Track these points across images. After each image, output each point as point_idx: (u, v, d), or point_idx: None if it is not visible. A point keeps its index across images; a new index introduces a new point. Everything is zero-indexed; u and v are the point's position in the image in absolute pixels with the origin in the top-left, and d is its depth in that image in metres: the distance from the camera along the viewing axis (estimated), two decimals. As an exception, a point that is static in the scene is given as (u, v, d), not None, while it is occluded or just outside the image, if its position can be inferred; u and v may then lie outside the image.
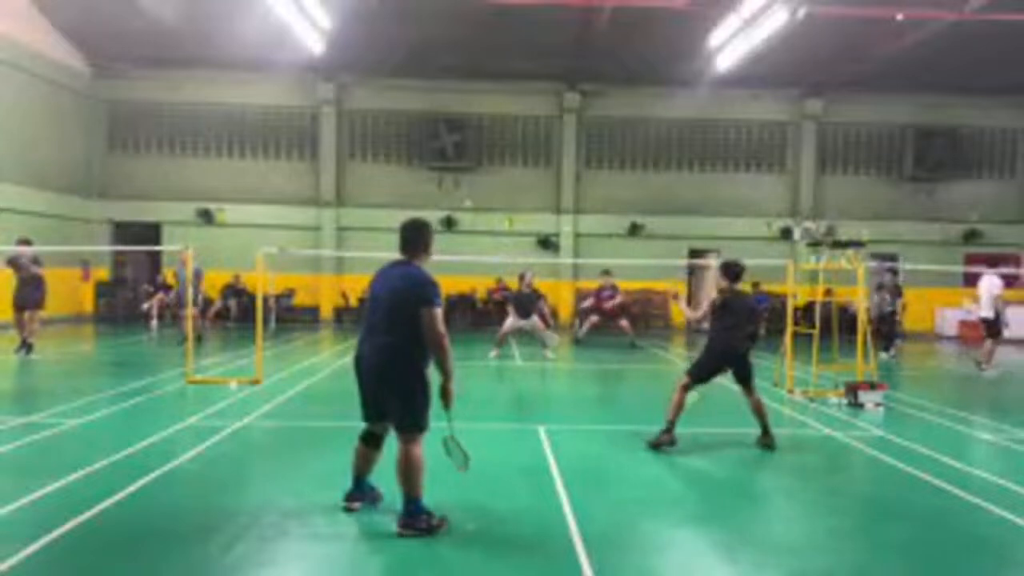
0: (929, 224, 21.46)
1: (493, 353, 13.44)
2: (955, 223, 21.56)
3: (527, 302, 13.68)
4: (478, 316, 20.43)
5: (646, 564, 4.03)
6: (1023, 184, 22.04)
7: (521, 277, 14.15)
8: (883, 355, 14.15)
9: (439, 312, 4.34)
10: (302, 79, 20.55)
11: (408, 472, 4.34)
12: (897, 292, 15.18)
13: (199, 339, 14.18)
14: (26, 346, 12.05)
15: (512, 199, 21.31)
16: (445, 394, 4.39)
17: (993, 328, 12.64)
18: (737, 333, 6.72)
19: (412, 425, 4.42)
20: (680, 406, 6.66)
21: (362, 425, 4.74)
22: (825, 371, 9.97)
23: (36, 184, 18.37)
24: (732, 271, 6.86)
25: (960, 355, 13.27)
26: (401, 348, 4.36)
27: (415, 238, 4.68)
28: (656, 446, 6.50)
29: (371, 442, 4.70)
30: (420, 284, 4.40)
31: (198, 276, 14.08)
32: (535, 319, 13.73)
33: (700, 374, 6.78)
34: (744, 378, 6.79)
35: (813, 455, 6.85)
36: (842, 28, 17.49)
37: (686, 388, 6.72)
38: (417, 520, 4.29)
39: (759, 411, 6.78)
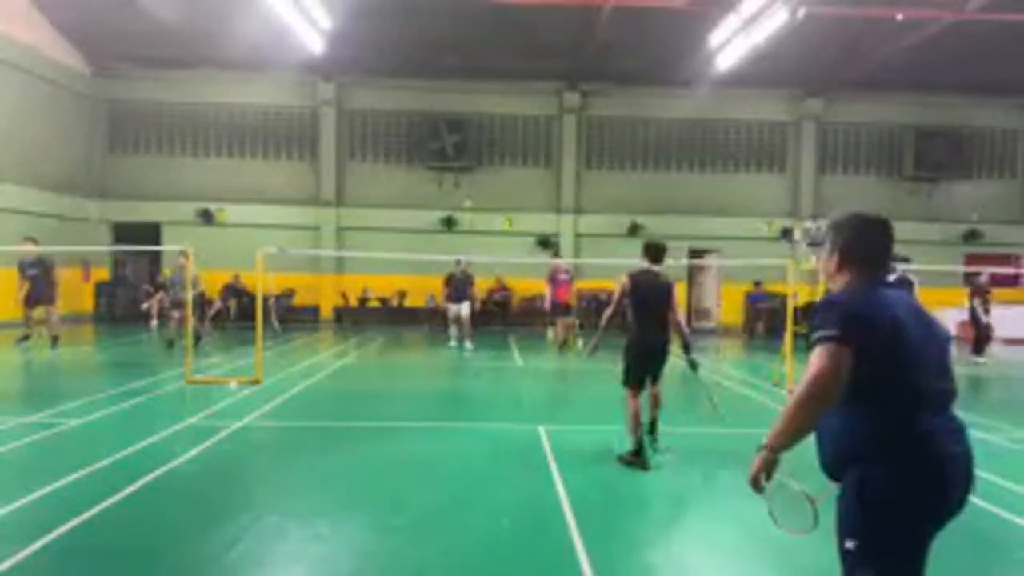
0: (929, 224, 21.45)
1: (453, 343, 14.76)
2: (955, 223, 21.56)
3: (461, 286, 14.79)
4: (477, 316, 20.43)
5: (646, 563, 4.03)
6: (1023, 184, 22.05)
7: (457, 263, 15.05)
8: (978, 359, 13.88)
9: None
10: (302, 79, 20.55)
11: None
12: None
13: (197, 340, 14.03)
14: (52, 339, 12.74)
15: (512, 199, 21.31)
16: None
17: None
18: (652, 322, 6.14)
19: None
20: (635, 418, 6.05)
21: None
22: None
23: (36, 184, 18.37)
24: (656, 252, 6.26)
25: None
26: None
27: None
28: (627, 463, 5.98)
29: None
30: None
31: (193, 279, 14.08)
32: (466, 307, 14.67)
33: (632, 380, 6.18)
34: (656, 375, 6.26)
35: (812, 455, 6.84)
36: (842, 28, 17.50)
37: (634, 397, 6.14)
38: None
39: (656, 404, 6.26)
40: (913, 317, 2.44)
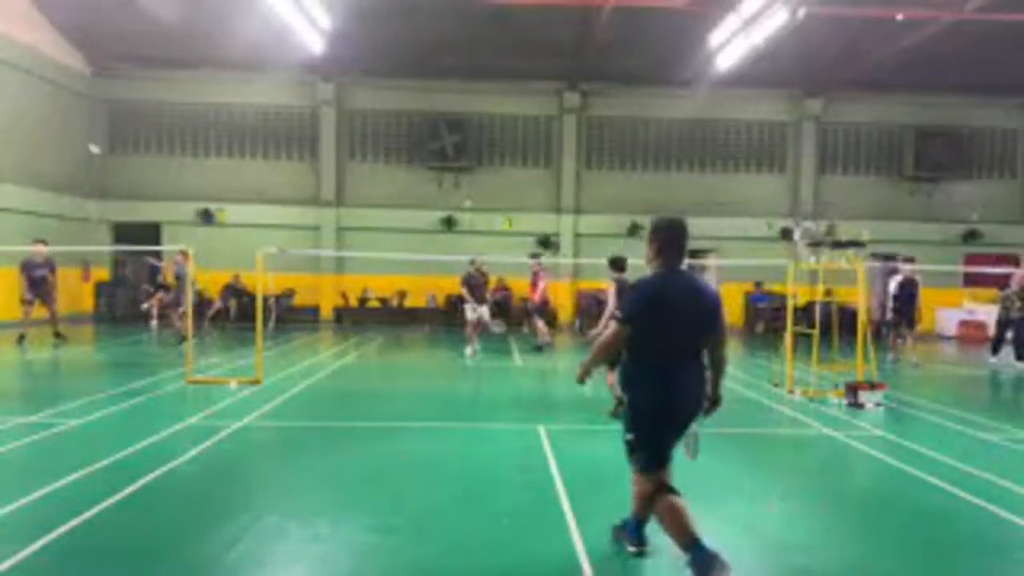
0: (929, 224, 21.46)
1: (469, 351, 13.44)
2: (955, 223, 21.56)
3: (480, 286, 13.90)
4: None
5: (646, 562, 4.03)
6: (1023, 184, 22.05)
7: (471, 262, 14.17)
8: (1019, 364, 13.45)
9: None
10: (302, 79, 20.55)
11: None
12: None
13: (183, 339, 13.31)
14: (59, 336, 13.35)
15: (512, 199, 21.31)
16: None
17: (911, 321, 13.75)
18: None
19: None
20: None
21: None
22: (826, 371, 9.98)
23: (36, 184, 18.37)
24: (619, 264, 8.09)
25: (896, 361, 13.68)
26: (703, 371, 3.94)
27: (686, 241, 4.00)
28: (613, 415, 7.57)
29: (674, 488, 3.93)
30: (718, 297, 3.96)
31: (181, 277, 13.62)
32: (485, 310, 13.89)
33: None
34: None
35: (813, 455, 6.85)
36: (842, 28, 17.51)
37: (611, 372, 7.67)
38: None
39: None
40: (684, 296, 3.82)
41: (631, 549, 4.08)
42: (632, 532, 4.09)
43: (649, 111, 21.41)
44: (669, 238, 3.93)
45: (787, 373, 9.85)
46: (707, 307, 3.83)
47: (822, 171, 21.77)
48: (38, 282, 13.10)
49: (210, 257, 17.69)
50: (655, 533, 4.48)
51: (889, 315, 14.04)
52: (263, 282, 10.83)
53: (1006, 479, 5.67)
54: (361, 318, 20.82)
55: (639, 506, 3.99)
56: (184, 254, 13.29)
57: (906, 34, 16.83)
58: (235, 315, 19.47)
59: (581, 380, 4.17)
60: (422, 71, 20.50)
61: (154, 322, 17.37)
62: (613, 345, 3.86)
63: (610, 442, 6.78)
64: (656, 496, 3.83)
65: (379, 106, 21.29)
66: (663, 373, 3.77)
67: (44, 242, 13.51)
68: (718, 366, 3.92)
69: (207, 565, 3.85)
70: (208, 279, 19.01)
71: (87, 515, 4.45)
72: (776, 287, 20.21)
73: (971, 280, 21.05)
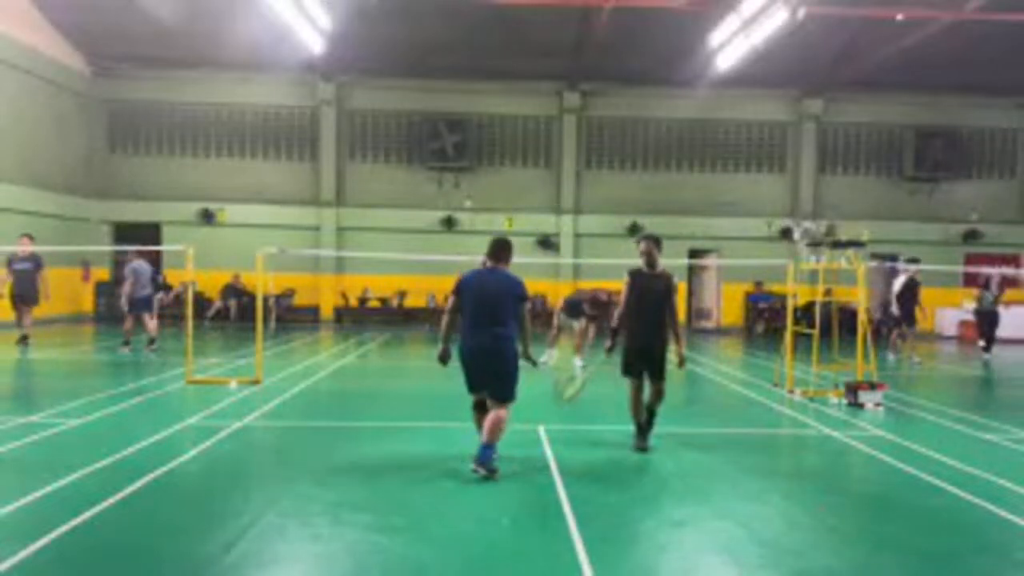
0: (929, 224, 21.47)
1: (579, 361, 11.81)
2: (955, 223, 21.57)
3: (576, 299, 12.32)
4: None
5: (646, 564, 4.03)
6: (1023, 184, 22.06)
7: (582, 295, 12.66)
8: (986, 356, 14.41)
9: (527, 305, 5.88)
10: (302, 79, 20.56)
11: (499, 427, 5.58)
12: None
13: (151, 342, 12.76)
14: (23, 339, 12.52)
15: (512, 199, 21.31)
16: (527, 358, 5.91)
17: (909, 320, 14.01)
18: (647, 317, 6.53)
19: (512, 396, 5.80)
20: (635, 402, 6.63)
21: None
22: (826, 371, 9.98)
23: (36, 184, 18.38)
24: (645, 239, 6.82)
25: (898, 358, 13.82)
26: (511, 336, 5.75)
27: (507, 251, 5.95)
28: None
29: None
30: (520, 287, 5.81)
31: (138, 273, 12.69)
32: (583, 320, 11.97)
33: (625, 369, 6.64)
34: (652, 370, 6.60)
35: (813, 455, 6.85)
36: (842, 28, 17.52)
37: (635, 388, 6.59)
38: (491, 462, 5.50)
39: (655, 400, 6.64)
40: (494, 284, 5.74)
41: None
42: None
43: (649, 111, 21.42)
44: (492, 250, 5.91)
45: (787, 373, 9.85)
46: (508, 293, 5.72)
47: (822, 171, 21.77)
48: (18, 276, 12.37)
49: (210, 257, 17.73)
50: (656, 531, 4.49)
51: (895, 311, 14.18)
52: (263, 282, 10.83)
53: (1006, 479, 5.67)
54: (361, 318, 20.83)
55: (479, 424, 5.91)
56: (139, 253, 12.95)
57: (906, 34, 16.84)
58: (235, 315, 19.47)
59: (443, 362, 5.95)
60: (422, 71, 20.50)
61: (154, 322, 17.34)
62: (448, 309, 5.89)
63: (611, 442, 6.78)
64: (474, 409, 5.95)
65: (379, 106, 21.29)
66: (470, 330, 5.73)
67: (31, 237, 12.75)
68: (524, 331, 5.81)
69: (207, 565, 3.84)
70: (208, 279, 19.03)
71: (87, 515, 4.44)
72: (776, 287, 20.24)
73: (971, 280, 21.06)
